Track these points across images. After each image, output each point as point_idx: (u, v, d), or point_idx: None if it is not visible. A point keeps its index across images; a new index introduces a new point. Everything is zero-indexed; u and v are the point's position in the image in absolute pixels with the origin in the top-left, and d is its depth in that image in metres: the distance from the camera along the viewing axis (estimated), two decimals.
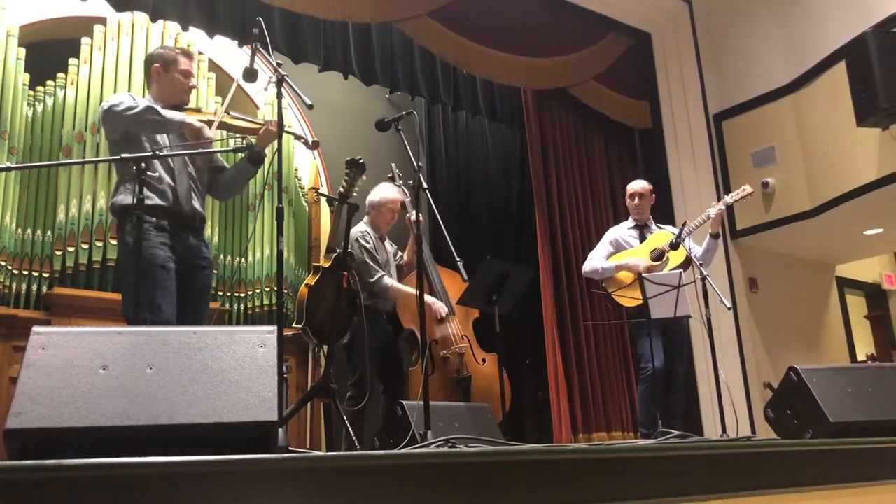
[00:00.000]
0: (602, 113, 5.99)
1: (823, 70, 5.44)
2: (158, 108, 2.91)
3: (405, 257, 4.28)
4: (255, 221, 4.81)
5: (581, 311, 5.51)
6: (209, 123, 2.99)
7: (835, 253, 6.86)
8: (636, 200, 4.54)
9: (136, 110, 2.83)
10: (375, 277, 3.92)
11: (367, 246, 3.98)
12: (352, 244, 3.74)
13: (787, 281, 6.36)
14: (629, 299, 4.22)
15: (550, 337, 5.27)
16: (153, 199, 2.84)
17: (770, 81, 5.84)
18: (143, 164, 2.52)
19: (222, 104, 3.13)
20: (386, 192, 4.17)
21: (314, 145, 3.34)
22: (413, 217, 3.92)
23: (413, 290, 3.88)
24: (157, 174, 2.89)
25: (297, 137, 3.20)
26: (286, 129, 3.07)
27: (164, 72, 3.07)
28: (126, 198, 2.87)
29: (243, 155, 3.14)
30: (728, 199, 4.41)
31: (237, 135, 2.96)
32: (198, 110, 3.19)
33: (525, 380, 5.59)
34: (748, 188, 4.39)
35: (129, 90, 4.36)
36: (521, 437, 5.08)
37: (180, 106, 3.10)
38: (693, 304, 3.99)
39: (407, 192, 4.20)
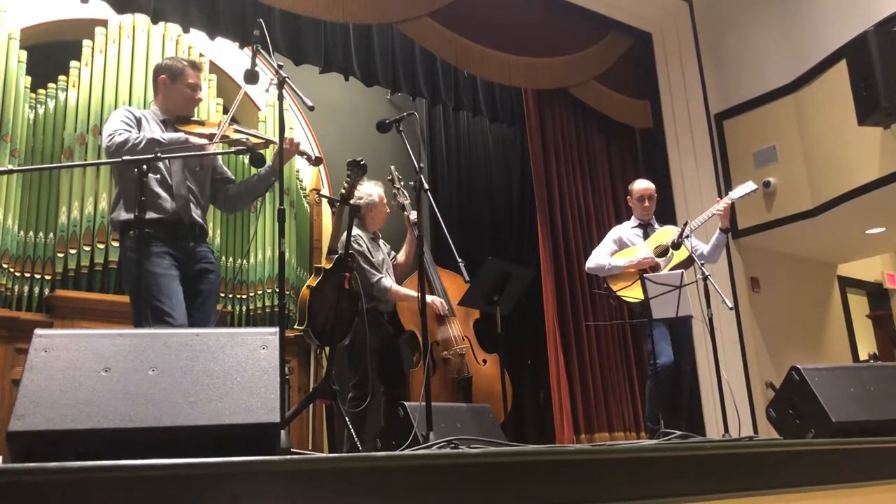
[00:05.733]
0: (603, 113, 5.98)
1: (824, 69, 5.43)
2: (160, 137, 2.88)
3: (399, 258, 4.23)
4: (257, 223, 4.81)
5: (583, 311, 5.50)
6: (211, 136, 2.99)
7: (836, 252, 6.85)
8: (646, 203, 4.51)
9: (139, 147, 2.79)
10: (374, 280, 3.90)
11: (361, 249, 3.92)
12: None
13: (788, 280, 6.35)
14: (634, 298, 4.21)
15: (552, 337, 5.26)
16: (150, 214, 2.82)
17: (771, 81, 5.83)
18: (146, 167, 2.51)
19: (226, 115, 3.12)
20: (371, 190, 4.09)
21: (317, 162, 3.34)
22: (413, 218, 3.93)
23: (413, 292, 3.87)
24: (153, 190, 2.88)
25: (302, 154, 3.20)
26: (297, 149, 3.13)
27: (171, 83, 3.07)
28: (124, 213, 2.89)
29: (254, 171, 3.15)
30: (733, 194, 4.40)
31: (241, 147, 2.95)
32: (201, 122, 3.19)
33: (527, 380, 5.59)
34: (752, 184, 4.39)
35: (130, 92, 4.37)
36: (522, 437, 5.08)
37: (185, 118, 3.10)
38: (695, 304, 3.99)
39: (407, 193, 4.19)
